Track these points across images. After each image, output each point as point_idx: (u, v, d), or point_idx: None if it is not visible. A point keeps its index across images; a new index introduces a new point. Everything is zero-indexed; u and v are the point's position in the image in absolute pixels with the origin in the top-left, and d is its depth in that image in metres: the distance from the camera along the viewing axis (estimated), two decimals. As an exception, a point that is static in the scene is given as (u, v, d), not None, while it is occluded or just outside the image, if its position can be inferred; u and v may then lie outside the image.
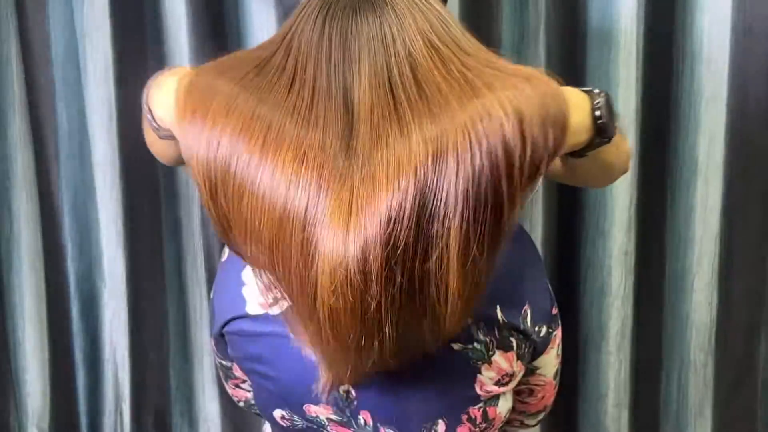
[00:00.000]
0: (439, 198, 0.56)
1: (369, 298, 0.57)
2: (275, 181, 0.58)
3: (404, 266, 0.57)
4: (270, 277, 0.62)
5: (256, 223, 0.59)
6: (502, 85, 0.59)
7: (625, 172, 0.82)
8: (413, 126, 0.58)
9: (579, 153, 0.67)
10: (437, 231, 0.57)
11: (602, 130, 0.65)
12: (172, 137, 0.69)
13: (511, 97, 0.58)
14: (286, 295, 0.62)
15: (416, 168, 0.56)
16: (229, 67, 0.65)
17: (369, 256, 0.56)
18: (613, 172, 0.79)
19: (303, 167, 0.58)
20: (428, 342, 0.63)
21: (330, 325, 0.59)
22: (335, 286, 0.57)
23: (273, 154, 0.58)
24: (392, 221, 0.56)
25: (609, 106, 0.66)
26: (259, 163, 0.58)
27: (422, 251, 0.57)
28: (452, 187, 0.56)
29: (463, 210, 0.56)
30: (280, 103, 0.61)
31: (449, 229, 0.57)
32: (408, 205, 0.56)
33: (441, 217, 0.57)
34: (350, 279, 0.57)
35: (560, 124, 0.59)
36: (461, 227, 0.57)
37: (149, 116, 0.71)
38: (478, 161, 0.56)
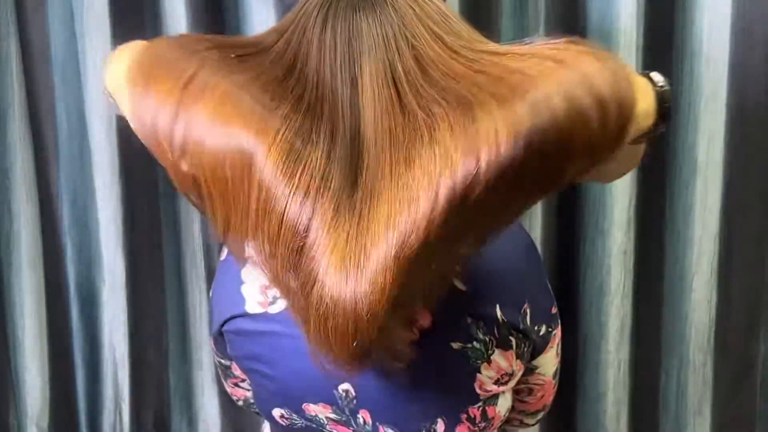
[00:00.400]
0: (475, 191, 0.52)
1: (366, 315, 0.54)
2: (270, 170, 0.54)
3: (413, 275, 0.54)
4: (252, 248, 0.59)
5: (242, 198, 0.56)
6: (559, 62, 0.54)
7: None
8: (430, 121, 0.55)
9: (638, 139, 0.63)
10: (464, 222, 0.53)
11: (668, 115, 0.62)
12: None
13: (580, 74, 0.53)
14: (266, 268, 0.59)
15: (450, 171, 0.51)
16: (196, 41, 0.62)
17: (369, 296, 0.53)
18: (638, 161, 0.75)
19: (299, 164, 0.55)
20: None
21: (320, 321, 0.57)
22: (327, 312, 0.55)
23: (265, 139, 0.55)
24: (401, 257, 0.52)
25: (669, 89, 0.63)
26: (254, 147, 0.54)
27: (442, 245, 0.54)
28: (492, 176, 0.51)
29: (500, 198, 0.53)
30: (275, 90, 0.58)
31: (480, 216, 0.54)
32: (425, 222, 0.52)
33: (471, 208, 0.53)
34: (346, 311, 0.54)
35: (630, 107, 0.55)
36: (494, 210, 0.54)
37: (106, 91, 0.67)
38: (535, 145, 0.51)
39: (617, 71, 0.55)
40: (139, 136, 0.60)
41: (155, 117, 0.57)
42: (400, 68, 0.60)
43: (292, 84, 0.60)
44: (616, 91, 0.54)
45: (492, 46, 0.62)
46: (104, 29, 1.18)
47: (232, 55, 0.60)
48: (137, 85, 0.58)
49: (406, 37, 0.61)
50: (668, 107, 0.62)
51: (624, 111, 0.55)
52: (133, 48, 0.64)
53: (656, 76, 0.63)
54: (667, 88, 0.62)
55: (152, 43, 0.62)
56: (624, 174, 0.84)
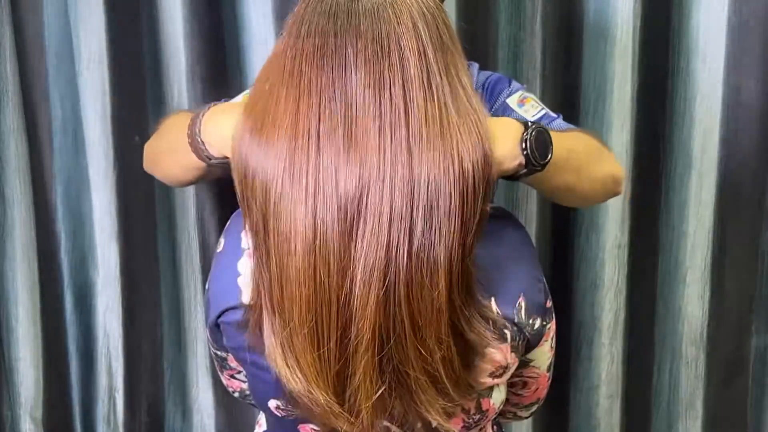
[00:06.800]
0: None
1: None
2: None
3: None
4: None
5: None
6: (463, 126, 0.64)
7: (612, 195, 0.86)
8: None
9: (514, 177, 0.73)
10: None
11: (528, 159, 0.71)
12: (223, 164, 0.74)
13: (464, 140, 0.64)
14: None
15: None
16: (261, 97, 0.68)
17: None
18: (577, 194, 0.84)
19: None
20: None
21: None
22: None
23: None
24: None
25: (539, 138, 0.72)
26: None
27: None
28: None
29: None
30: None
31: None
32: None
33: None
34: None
35: (485, 157, 0.65)
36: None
37: (201, 147, 0.74)
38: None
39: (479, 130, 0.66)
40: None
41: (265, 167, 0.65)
42: (388, 96, 0.63)
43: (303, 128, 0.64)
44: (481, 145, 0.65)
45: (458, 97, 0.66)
46: (98, 17, 1.18)
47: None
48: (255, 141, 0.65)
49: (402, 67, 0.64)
50: (526, 154, 0.71)
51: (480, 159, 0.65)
52: (236, 109, 0.70)
53: (530, 125, 0.72)
54: (530, 136, 0.71)
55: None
56: (580, 204, 1.00)
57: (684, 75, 1.18)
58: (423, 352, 0.65)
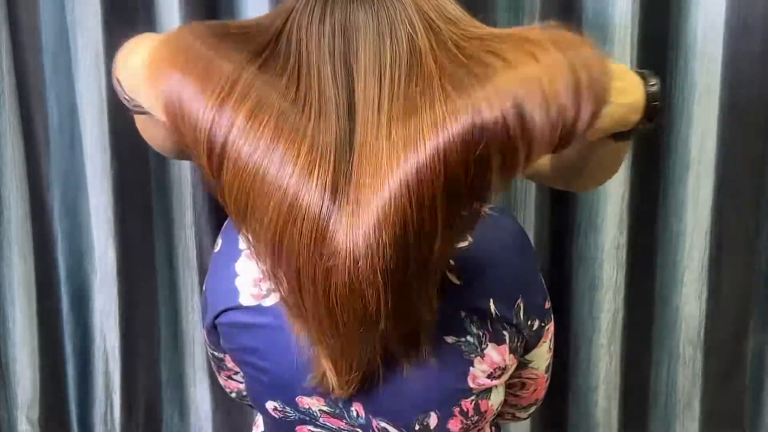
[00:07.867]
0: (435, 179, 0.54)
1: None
2: (284, 169, 0.56)
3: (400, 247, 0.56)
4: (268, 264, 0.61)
5: (265, 204, 0.57)
6: (529, 53, 0.56)
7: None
8: (422, 109, 0.57)
9: (624, 135, 0.63)
10: (430, 203, 0.55)
11: (654, 113, 0.61)
12: (143, 111, 0.63)
13: (543, 69, 0.54)
14: (283, 285, 0.62)
15: (409, 156, 0.54)
16: (220, 38, 0.61)
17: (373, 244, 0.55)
18: (616, 167, 0.77)
19: (315, 162, 0.57)
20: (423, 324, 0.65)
21: (333, 316, 0.60)
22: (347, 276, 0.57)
23: (284, 143, 0.56)
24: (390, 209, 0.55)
25: (658, 90, 0.62)
26: (268, 149, 0.56)
27: (417, 223, 0.56)
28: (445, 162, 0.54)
29: (458, 182, 0.55)
30: (284, 93, 0.59)
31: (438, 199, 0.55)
32: (399, 199, 0.55)
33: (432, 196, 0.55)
34: (358, 268, 0.56)
35: (599, 98, 0.54)
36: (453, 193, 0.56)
37: (119, 88, 0.65)
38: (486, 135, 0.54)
39: (587, 64, 0.55)
40: (168, 119, 0.58)
41: (197, 109, 0.57)
42: (395, 62, 0.60)
43: (296, 81, 0.61)
44: (577, 85, 0.54)
45: (484, 31, 0.62)
46: (96, 18, 1.17)
47: (252, 58, 0.60)
48: (172, 73, 0.57)
49: (406, 27, 0.61)
50: (656, 106, 0.62)
51: (583, 103, 0.54)
52: (154, 38, 0.62)
53: (649, 75, 0.63)
54: (657, 87, 0.62)
55: (177, 34, 0.61)
56: (607, 178, 0.85)
57: (682, 75, 1.18)
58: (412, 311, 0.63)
